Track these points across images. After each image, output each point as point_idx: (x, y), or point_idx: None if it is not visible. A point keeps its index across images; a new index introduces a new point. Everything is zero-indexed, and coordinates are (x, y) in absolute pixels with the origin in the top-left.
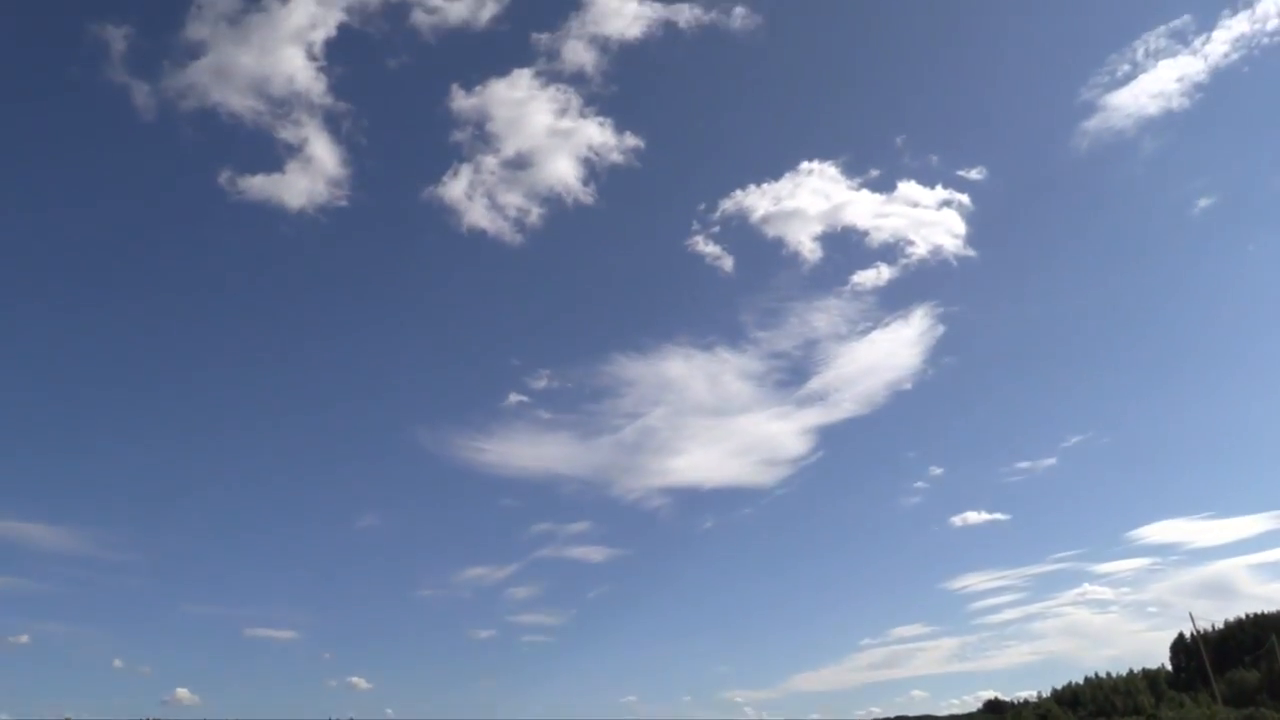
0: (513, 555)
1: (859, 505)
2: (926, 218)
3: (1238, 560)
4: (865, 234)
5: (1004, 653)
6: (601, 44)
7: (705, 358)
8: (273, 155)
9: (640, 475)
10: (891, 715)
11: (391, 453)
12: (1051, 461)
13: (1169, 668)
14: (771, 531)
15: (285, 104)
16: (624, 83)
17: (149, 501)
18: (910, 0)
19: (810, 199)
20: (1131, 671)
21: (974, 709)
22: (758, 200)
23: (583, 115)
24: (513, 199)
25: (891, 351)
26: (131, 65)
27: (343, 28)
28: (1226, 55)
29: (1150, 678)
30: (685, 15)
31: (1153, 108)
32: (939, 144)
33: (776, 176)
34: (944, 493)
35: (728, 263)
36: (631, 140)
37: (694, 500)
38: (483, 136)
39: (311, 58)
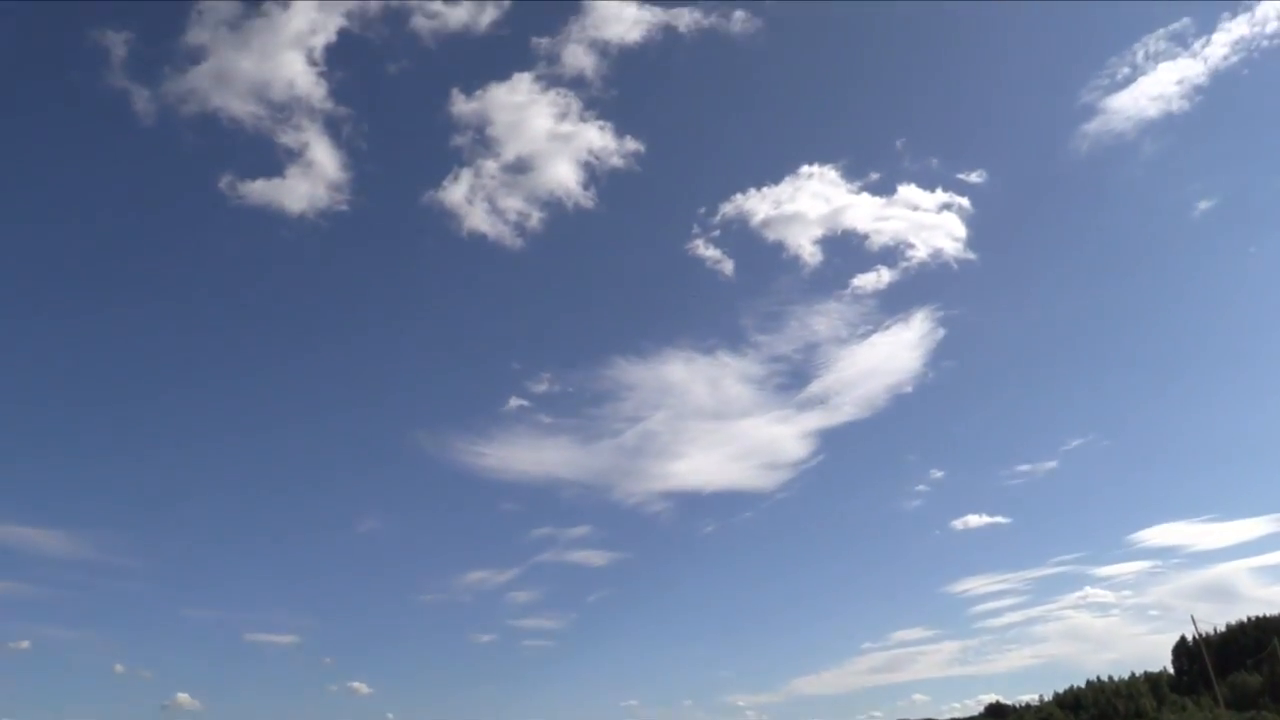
0: (513, 559)
1: (860, 509)
2: (927, 221)
3: (1239, 563)
4: (865, 237)
5: (1005, 656)
6: (601, 48)
7: (706, 361)
8: (273, 160)
9: (641, 479)
10: (893, 719)
11: (392, 457)
12: (1052, 464)
13: (1171, 671)
14: (772, 535)
15: (286, 109)
16: (624, 87)
17: (150, 506)
18: (910, 4)
19: (810, 202)
20: (1133, 675)
21: (975, 713)
22: (758, 204)
23: (583, 119)
24: (513, 203)
25: (892, 355)
26: (132, 71)
27: (343, 33)
28: (1226, 58)
29: (1152, 681)
30: (685, 19)
31: (1153, 110)
32: (939, 147)
33: (777, 180)
34: (945, 496)
35: (728, 266)
36: (632, 144)
37: (695, 504)
38: (483, 141)
39: (312, 63)
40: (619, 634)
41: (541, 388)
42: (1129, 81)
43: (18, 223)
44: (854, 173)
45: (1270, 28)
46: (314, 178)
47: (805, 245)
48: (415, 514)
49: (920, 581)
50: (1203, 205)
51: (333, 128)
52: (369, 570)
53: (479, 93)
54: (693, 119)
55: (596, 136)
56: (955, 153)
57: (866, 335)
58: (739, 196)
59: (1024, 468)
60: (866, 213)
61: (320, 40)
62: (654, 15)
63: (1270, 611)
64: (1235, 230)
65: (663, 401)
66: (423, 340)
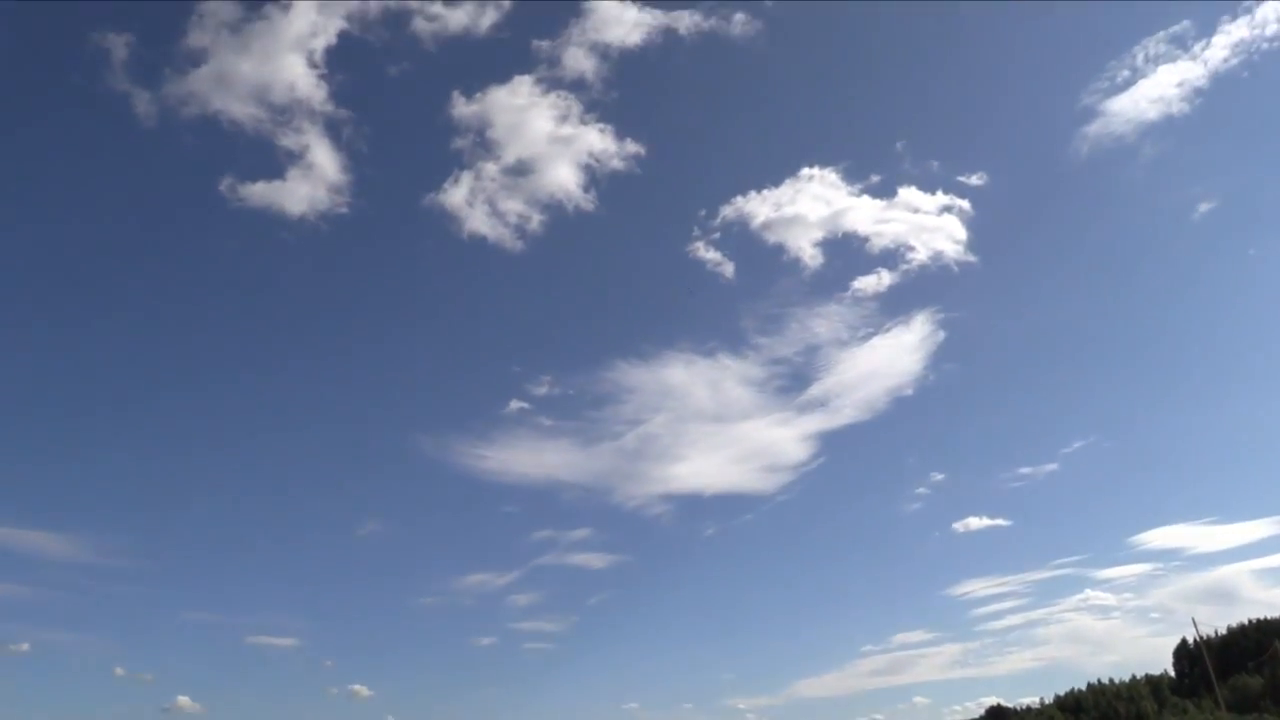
0: (514, 562)
1: (860, 511)
2: (927, 223)
3: (1240, 566)
4: (866, 240)
5: (1006, 659)
6: (602, 51)
7: (706, 364)
8: (274, 162)
9: (641, 482)
10: None
11: (392, 460)
12: (1053, 467)
13: (1172, 674)
14: (773, 538)
15: (286, 111)
16: (624, 89)
17: (150, 508)
18: (910, 6)
19: (811, 205)
20: (1134, 677)
21: (977, 715)
22: (758, 206)
23: (583, 122)
24: (513, 206)
25: (892, 357)
26: (133, 73)
27: (343, 35)
28: (1226, 60)
29: (1153, 684)
30: (685, 22)
31: (1153, 113)
32: (939, 150)
33: (777, 182)
34: (946, 498)
35: (728, 269)
36: (632, 147)
37: (695, 507)
38: (483, 143)
39: (312, 65)
40: (619, 637)
41: (542, 390)
42: (1129, 84)
43: (18, 224)
44: (854, 175)
45: (1270, 30)
46: (314, 180)
47: (806, 247)
48: (415, 516)
49: (921, 584)
50: (1203, 207)
51: (333, 130)
52: (370, 573)
53: (479, 95)
54: (693, 121)
55: (597, 139)
56: (956, 155)
57: (867, 338)
58: (739, 199)
59: (1025, 470)
60: (867, 215)
61: (321, 43)
62: (654, 18)
63: (1271, 614)
64: (1236, 232)
65: (663, 404)
66: (423, 342)
